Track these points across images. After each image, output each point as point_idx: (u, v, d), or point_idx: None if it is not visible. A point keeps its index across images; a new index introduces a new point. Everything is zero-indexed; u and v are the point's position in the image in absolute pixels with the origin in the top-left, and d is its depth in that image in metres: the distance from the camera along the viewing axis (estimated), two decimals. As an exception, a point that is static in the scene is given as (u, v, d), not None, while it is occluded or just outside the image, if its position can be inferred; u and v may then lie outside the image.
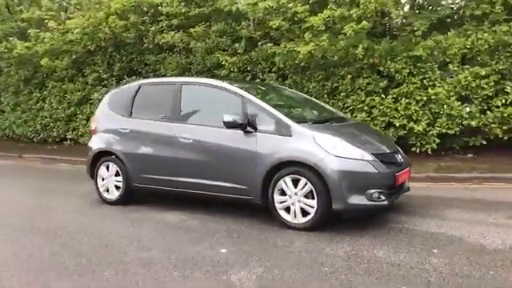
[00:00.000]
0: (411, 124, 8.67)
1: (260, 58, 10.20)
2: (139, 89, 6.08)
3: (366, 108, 9.04)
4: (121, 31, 11.44)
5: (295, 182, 4.62)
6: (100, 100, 7.32)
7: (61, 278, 3.66)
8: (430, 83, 8.72)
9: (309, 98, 6.96)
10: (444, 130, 8.58)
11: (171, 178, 5.48)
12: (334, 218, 4.60)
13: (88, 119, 13.24)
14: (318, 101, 6.84)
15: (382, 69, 8.93)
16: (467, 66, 8.59)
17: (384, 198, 4.52)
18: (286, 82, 9.92)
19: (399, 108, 8.82)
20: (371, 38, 8.80)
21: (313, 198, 4.52)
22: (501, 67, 8.45)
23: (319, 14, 8.47)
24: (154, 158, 5.62)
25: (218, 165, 5.11)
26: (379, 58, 8.73)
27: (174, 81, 6.01)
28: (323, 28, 8.47)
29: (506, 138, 8.57)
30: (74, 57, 13.08)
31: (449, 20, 9.18)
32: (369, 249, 4.03)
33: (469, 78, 8.46)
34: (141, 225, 5.09)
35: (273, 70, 10.10)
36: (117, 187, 6.04)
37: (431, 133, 8.64)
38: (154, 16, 11.63)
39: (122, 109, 6.11)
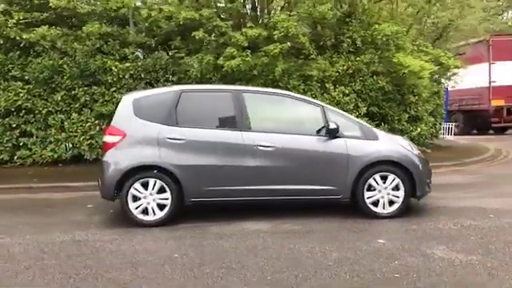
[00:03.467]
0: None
1: (158, 66, 9.85)
2: (180, 96, 5.50)
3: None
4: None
5: (383, 178, 5.50)
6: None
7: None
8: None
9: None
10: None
11: (247, 188, 5.34)
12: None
13: None
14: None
15: (281, 84, 10.23)
16: (337, 86, 10.90)
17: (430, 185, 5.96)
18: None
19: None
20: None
21: (397, 190, 5.52)
22: (357, 88, 11.12)
23: (243, 31, 9.11)
24: (226, 168, 5.31)
25: (307, 169, 5.40)
26: (280, 75, 10.01)
27: (228, 89, 5.83)
28: (246, 44, 9.15)
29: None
30: None
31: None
32: (460, 220, 5.35)
33: (340, 95, 10.78)
34: (245, 238, 4.83)
35: (171, 79, 9.95)
36: (160, 206, 5.31)
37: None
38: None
39: (160, 117, 5.38)
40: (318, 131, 5.49)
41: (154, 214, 5.31)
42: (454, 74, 13.99)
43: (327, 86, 10.76)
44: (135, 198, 5.29)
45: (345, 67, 10.85)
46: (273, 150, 5.37)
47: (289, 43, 9.14)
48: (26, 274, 3.98)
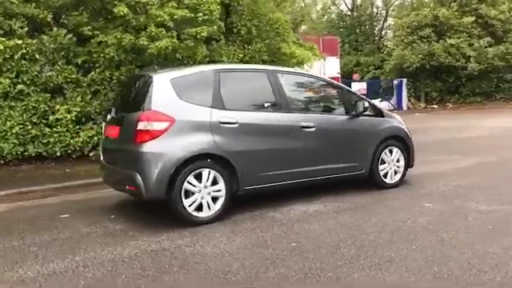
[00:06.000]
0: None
1: (57, 45, 8.15)
2: (219, 76, 4.90)
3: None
4: None
5: (389, 152, 6.10)
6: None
7: None
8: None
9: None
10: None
11: (295, 170, 5.22)
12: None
13: None
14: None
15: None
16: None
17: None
18: (90, 75, 8.54)
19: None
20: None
21: (398, 162, 6.20)
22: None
23: (167, 11, 8.36)
24: (278, 151, 5.07)
25: (340, 147, 5.59)
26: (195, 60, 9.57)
27: (262, 68, 5.50)
28: (172, 25, 8.44)
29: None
30: None
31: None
32: (444, 182, 6.33)
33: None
34: (322, 219, 4.81)
35: (74, 61, 8.39)
36: (213, 199, 4.71)
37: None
38: None
39: (206, 100, 4.73)
40: (346, 111, 5.77)
41: (209, 208, 4.68)
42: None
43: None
44: (188, 194, 4.56)
45: (241, 55, 11.05)
46: (314, 131, 5.37)
47: (215, 26, 8.83)
48: None
